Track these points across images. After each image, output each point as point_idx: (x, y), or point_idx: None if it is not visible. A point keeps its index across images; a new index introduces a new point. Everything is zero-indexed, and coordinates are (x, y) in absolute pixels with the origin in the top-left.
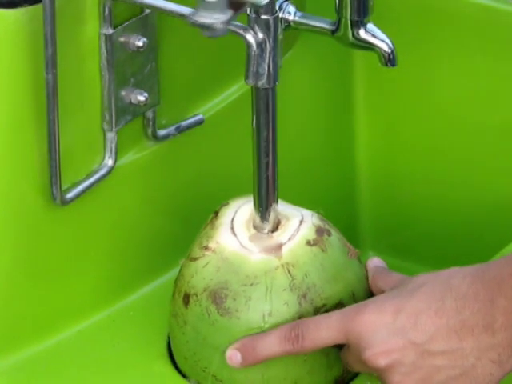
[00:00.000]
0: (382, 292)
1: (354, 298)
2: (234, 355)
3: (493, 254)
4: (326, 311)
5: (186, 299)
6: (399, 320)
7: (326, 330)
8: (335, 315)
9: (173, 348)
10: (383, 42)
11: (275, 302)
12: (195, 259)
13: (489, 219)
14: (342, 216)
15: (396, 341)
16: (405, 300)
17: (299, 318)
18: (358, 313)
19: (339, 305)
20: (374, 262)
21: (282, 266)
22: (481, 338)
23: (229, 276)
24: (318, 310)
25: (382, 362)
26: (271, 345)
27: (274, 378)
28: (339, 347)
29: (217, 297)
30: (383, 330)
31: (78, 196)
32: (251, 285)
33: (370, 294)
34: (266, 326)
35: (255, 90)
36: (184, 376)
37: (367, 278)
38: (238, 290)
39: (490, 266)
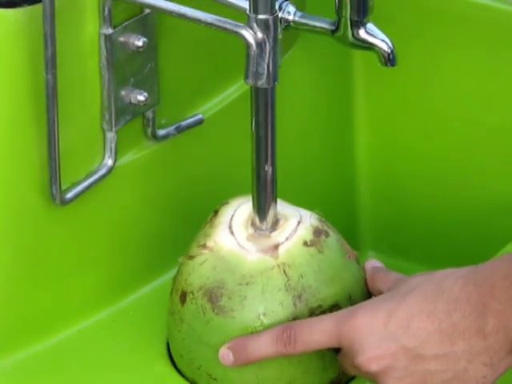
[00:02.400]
0: (381, 293)
1: (351, 300)
2: (226, 354)
3: (493, 254)
4: (322, 312)
5: (183, 297)
6: (391, 324)
7: (319, 334)
8: (329, 319)
9: (170, 346)
10: (383, 42)
11: (270, 302)
12: (193, 257)
13: (489, 219)
14: (341, 216)
15: (388, 345)
16: (397, 304)
17: (294, 318)
18: (350, 317)
19: (335, 306)
20: (372, 263)
21: (278, 266)
22: (472, 342)
23: (225, 275)
24: (313, 311)
25: (374, 367)
26: (263, 345)
27: (268, 378)
28: (335, 349)
29: (212, 295)
30: (375, 334)
31: (77, 196)
32: (247, 284)
33: (367, 296)
34: (261, 325)
35: (254, 89)
36: (181, 374)
37: (365, 280)
38: (233, 289)
39: (483, 268)
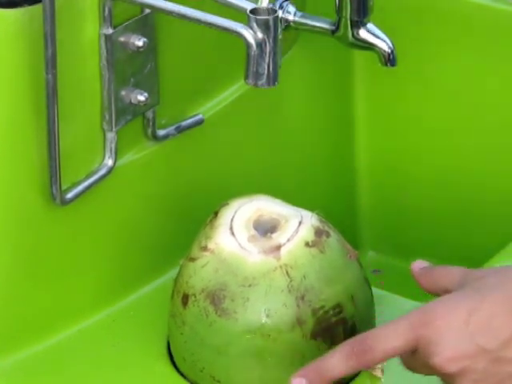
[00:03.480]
0: (447, 291)
1: (353, 300)
2: (299, 383)
3: (494, 254)
4: (325, 313)
5: (185, 300)
6: (471, 324)
7: (395, 340)
8: (403, 324)
9: (172, 348)
10: (383, 42)
11: (273, 304)
12: (194, 260)
13: (489, 218)
14: (342, 216)
15: (467, 346)
16: (477, 302)
17: (297, 319)
18: (428, 318)
19: (337, 306)
20: (418, 264)
21: (281, 267)
22: None
23: (227, 277)
24: (316, 312)
25: (452, 367)
26: (337, 364)
27: (272, 379)
28: None
29: (215, 298)
30: (454, 334)
31: (77, 196)
32: (249, 286)
33: (369, 295)
34: (264, 327)
35: None
36: (184, 376)
37: (366, 280)
38: (236, 291)
39: None
